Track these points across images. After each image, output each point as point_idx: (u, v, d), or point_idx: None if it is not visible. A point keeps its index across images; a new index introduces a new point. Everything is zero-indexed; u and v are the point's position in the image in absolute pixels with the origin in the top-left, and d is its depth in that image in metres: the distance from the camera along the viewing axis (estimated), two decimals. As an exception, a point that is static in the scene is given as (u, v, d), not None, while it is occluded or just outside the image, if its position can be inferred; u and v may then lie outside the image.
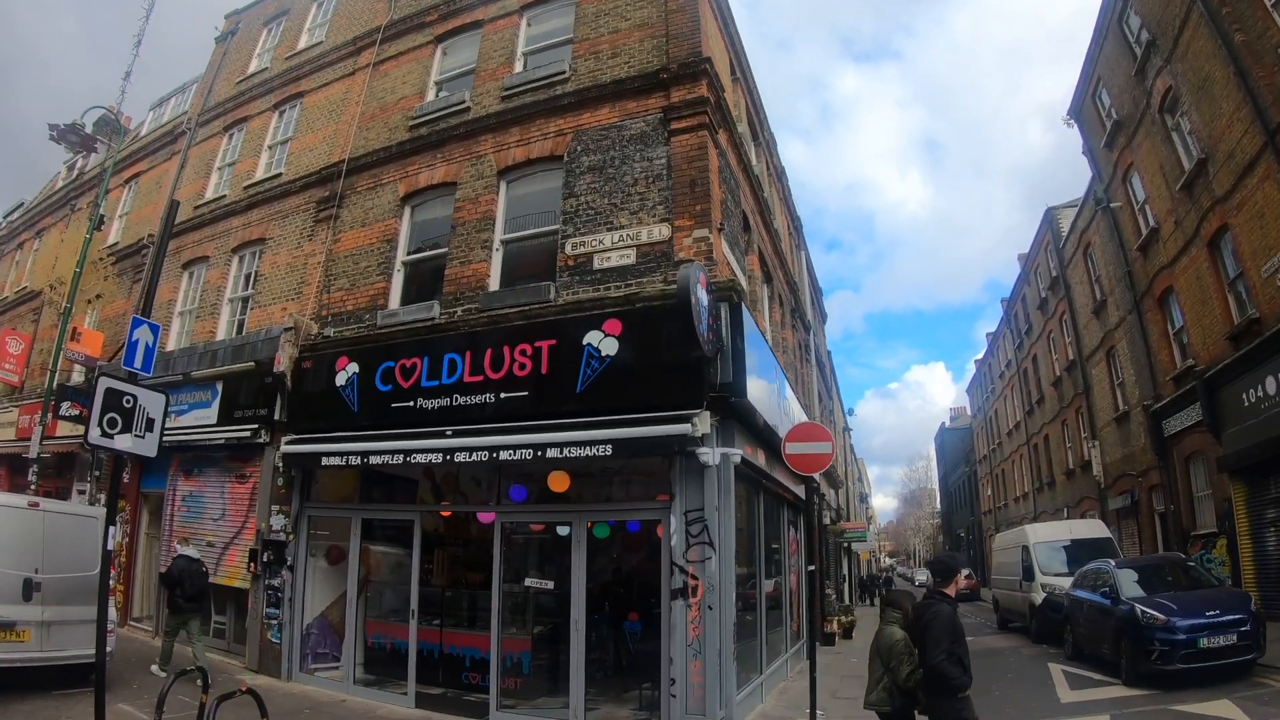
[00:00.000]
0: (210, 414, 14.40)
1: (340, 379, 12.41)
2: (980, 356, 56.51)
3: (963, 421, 67.79)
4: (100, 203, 18.10)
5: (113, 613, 11.23)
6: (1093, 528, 21.65)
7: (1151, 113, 19.92)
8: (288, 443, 12.60)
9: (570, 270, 11.50)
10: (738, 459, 10.27)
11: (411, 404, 11.59)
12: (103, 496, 16.73)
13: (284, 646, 12.50)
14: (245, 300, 15.53)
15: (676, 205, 11.11)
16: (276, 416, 13.20)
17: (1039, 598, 19.10)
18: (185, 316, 16.65)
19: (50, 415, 17.71)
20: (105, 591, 8.39)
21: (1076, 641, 15.16)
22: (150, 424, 8.31)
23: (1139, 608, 11.96)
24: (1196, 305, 18.80)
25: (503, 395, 10.92)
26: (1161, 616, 11.48)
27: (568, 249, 11.65)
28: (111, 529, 8.10)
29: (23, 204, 28.64)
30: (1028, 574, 20.31)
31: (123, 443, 8.02)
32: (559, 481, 11.05)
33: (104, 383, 8.01)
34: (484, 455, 10.45)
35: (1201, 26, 16.63)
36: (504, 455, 10.32)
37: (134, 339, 8.71)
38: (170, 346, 16.15)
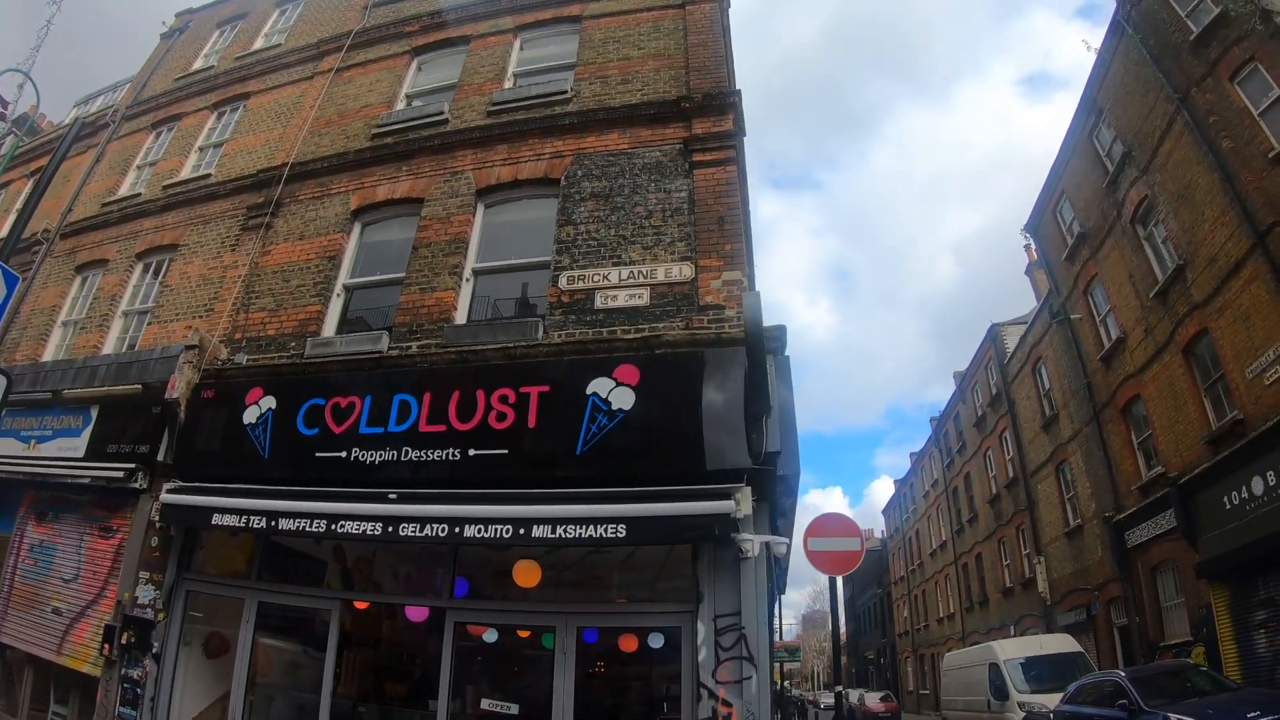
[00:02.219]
0: (78, 445, 10.46)
1: (250, 415, 8.84)
2: (900, 479, 54.22)
3: (872, 544, 64.46)
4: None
5: None
6: (1062, 642, 19.21)
7: (1123, 223, 19.02)
8: (170, 490, 8.88)
9: (564, 307, 8.58)
10: (782, 550, 7.93)
11: (344, 454, 8.15)
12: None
13: (139, 761, 8.54)
14: (143, 315, 11.76)
15: (701, 243, 8.68)
16: (161, 456, 9.45)
17: (1016, 717, 16.51)
18: (69, 328, 12.67)
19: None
20: None
21: None
22: None
23: (1173, 716, 10.30)
24: (1168, 412, 17.53)
25: (473, 452, 7.70)
26: (1204, 724, 9.83)
27: (562, 283, 8.76)
28: None
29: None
30: (999, 693, 17.63)
31: None
32: (528, 574, 7.85)
33: None
34: (441, 529, 7.21)
35: (1185, 136, 15.94)
36: (470, 531, 7.11)
37: None
38: (46, 357, 12.18)
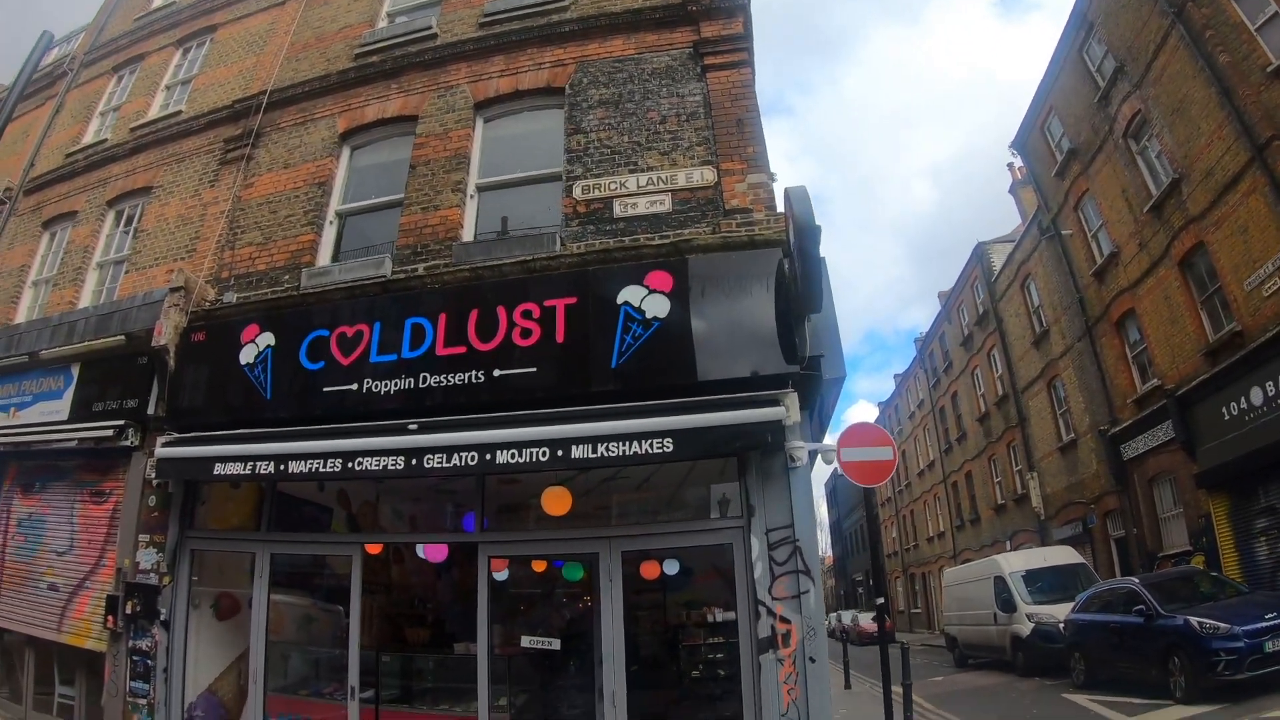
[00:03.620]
0: (61, 408, 9.52)
1: (247, 355, 7.94)
2: (884, 401, 53.48)
3: None
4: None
5: None
6: (1065, 554, 18.90)
7: (1114, 138, 18.56)
8: (166, 444, 7.99)
9: (581, 218, 7.79)
10: (833, 458, 7.11)
11: (354, 387, 7.31)
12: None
13: (156, 737, 7.76)
14: (120, 264, 10.73)
15: (721, 147, 7.95)
16: (152, 410, 8.55)
17: (1025, 629, 16.20)
18: (40, 287, 11.61)
19: None
20: None
21: (1089, 668, 13.16)
22: None
23: (1194, 620, 10.34)
24: (1163, 325, 17.34)
25: (498, 373, 6.91)
26: (1224, 625, 9.96)
27: (577, 193, 7.97)
28: None
29: None
30: (1006, 605, 17.27)
31: None
32: (558, 501, 7.12)
33: None
34: (470, 458, 6.42)
35: (1180, 50, 15.51)
36: (503, 457, 6.32)
37: None
38: (18, 320, 11.18)
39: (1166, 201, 16.44)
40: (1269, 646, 9.61)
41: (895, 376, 50.05)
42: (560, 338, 6.82)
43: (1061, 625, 14.51)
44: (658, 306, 6.75)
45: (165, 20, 12.95)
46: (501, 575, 7.91)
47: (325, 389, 7.41)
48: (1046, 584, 17.08)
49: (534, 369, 6.79)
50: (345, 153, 9.38)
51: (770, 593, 6.24)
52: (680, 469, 7.57)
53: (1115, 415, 19.73)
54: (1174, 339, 16.84)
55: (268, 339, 7.87)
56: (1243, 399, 14.19)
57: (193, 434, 7.98)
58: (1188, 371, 16.13)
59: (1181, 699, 10.15)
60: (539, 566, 8.46)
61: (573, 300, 6.93)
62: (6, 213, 12.64)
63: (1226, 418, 14.64)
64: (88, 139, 12.51)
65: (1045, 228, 22.97)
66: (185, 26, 12.59)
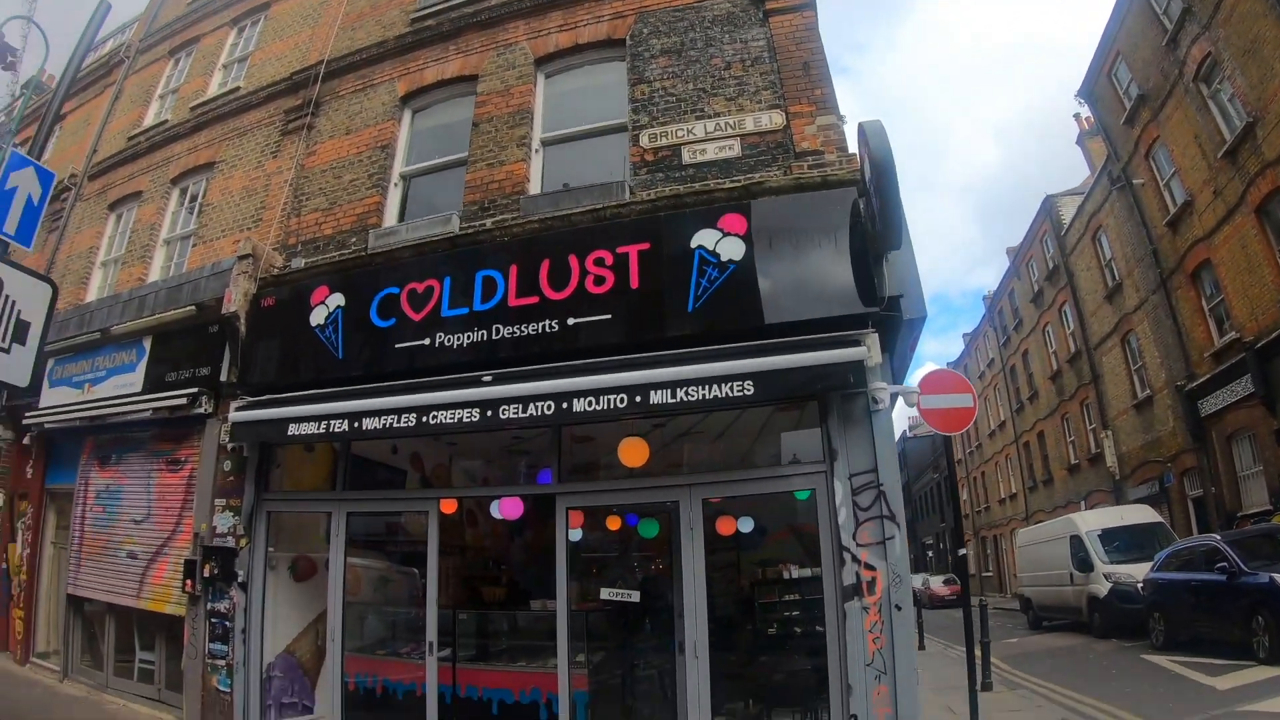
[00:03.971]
0: (134, 380, 9.66)
1: (317, 316, 7.94)
2: (953, 361, 52.43)
3: (924, 430, 62.69)
4: (5, 147, 13.38)
5: None
6: (1142, 513, 18.37)
7: (1184, 82, 17.88)
8: (239, 408, 8.05)
9: (650, 166, 7.67)
10: (915, 400, 6.83)
11: (427, 341, 7.25)
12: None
13: (237, 697, 7.86)
14: (186, 239, 10.87)
15: (788, 90, 7.73)
16: (224, 376, 8.62)
17: (1103, 589, 15.75)
18: (109, 267, 11.83)
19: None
20: None
21: (1169, 629, 12.77)
22: (21, 330, 4.32)
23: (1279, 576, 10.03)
24: (1241, 275, 16.61)
25: (572, 321, 6.79)
26: (1318, 583, 9.54)
27: (644, 141, 7.83)
28: None
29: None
30: (1083, 565, 16.82)
31: None
32: (635, 452, 6.99)
33: None
34: (546, 407, 6.32)
35: None
36: (580, 405, 6.21)
37: (6, 186, 4.48)
38: (89, 299, 11.38)
39: (1241, 146, 15.81)
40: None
41: (964, 336, 48.60)
42: (634, 284, 6.68)
43: (1140, 585, 14.16)
44: (733, 249, 6.58)
45: (219, 1, 13.06)
46: (576, 535, 7.87)
47: (397, 345, 7.38)
48: (1124, 543, 16.63)
49: (608, 316, 6.67)
50: (406, 116, 9.34)
51: (854, 539, 6.05)
52: (756, 420, 7.46)
53: (1192, 370, 19.08)
54: (1252, 289, 16.16)
55: (337, 300, 7.86)
56: (1326, 350, 13.41)
57: (265, 397, 8.02)
58: (1267, 323, 15.54)
59: (1265, 659, 9.82)
60: (613, 524, 8.38)
61: (645, 246, 6.78)
62: (72, 198, 12.88)
63: (1309, 370, 13.87)
64: (148, 121, 12.68)
65: (1115, 178, 22.23)
66: (238, 6, 12.68)
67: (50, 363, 10.45)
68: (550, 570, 9.01)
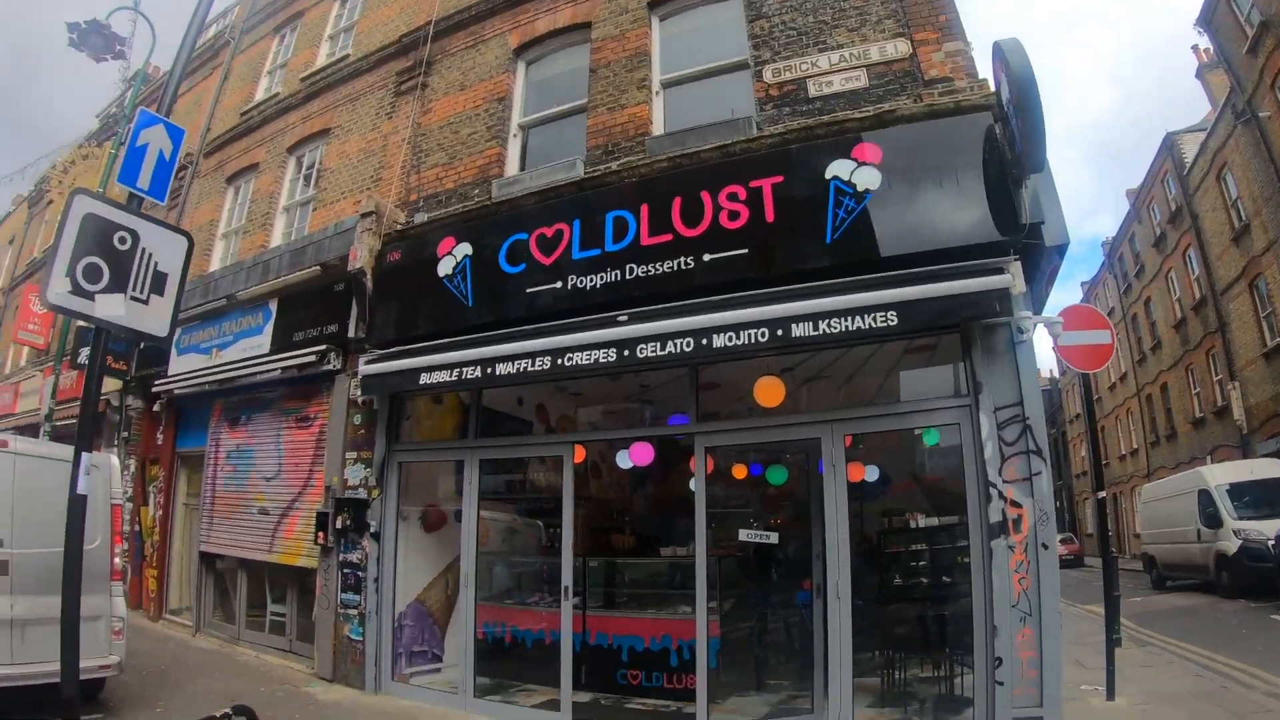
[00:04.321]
0: (261, 342, 9.98)
1: (445, 266, 8.04)
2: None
3: (1042, 384, 60.31)
4: (122, 136, 14.00)
5: (121, 605, 6.81)
6: (1274, 467, 17.35)
7: None
8: (369, 361, 8.23)
9: (775, 101, 7.47)
10: (1059, 330, 6.67)
11: (558, 285, 7.27)
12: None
13: (368, 645, 8.09)
14: (305, 205, 11.19)
15: (912, 18, 7.38)
16: (352, 332, 8.82)
17: (1231, 546, 15.02)
18: (230, 238, 12.29)
19: (67, 367, 13.52)
20: (75, 560, 3.80)
21: None
22: (159, 282, 4.35)
23: None
24: None
25: (707, 257, 6.68)
26: None
27: (767, 76, 7.63)
28: (90, 463, 3.92)
29: (54, 166, 24.50)
30: (1211, 521, 16.04)
31: (108, 307, 4.10)
32: (771, 391, 6.86)
33: (80, 204, 4.06)
34: (685, 344, 6.24)
35: None
36: (720, 341, 6.10)
37: (138, 143, 4.52)
38: (212, 268, 11.80)
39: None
40: None
41: (1082, 284, 46.24)
42: (770, 217, 6.54)
43: (1271, 542, 13.71)
44: (868, 179, 6.38)
45: (321, -25, 13.33)
46: (696, 486, 7.83)
47: (528, 290, 7.42)
48: (1254, 498, 15.74)
49: (744, 250, 6.56)
50: (520, 68, 9.36)
51: (1000, 475, 5.82)
52: (885, 361, 7.26)
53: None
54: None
55: (465, 249, 7.94)
56: None
57: (395, 349, 8.18)
58: None
59: None
60: (739, 473, 8.33)
61: (779, 179, 6.63)
62: (190, 175, 13.37)
63: None
64: (259, 96, 13.07)
65: (1240, 111, 21.11)
66: (341, -24, 12.93)
67: (177, 332, 10.86)
68: (675, 518, 9.04)
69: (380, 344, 8.40)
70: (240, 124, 12.80)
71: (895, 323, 5.72)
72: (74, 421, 14.03)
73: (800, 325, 5.92)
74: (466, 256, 7.90)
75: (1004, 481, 5.78)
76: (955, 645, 6.73)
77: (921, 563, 7.48)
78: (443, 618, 8.72)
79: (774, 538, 7.15)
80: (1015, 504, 5.75)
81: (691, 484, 8.00)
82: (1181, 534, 17.60)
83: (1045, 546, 5.65)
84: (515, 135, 8.96)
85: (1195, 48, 26.86)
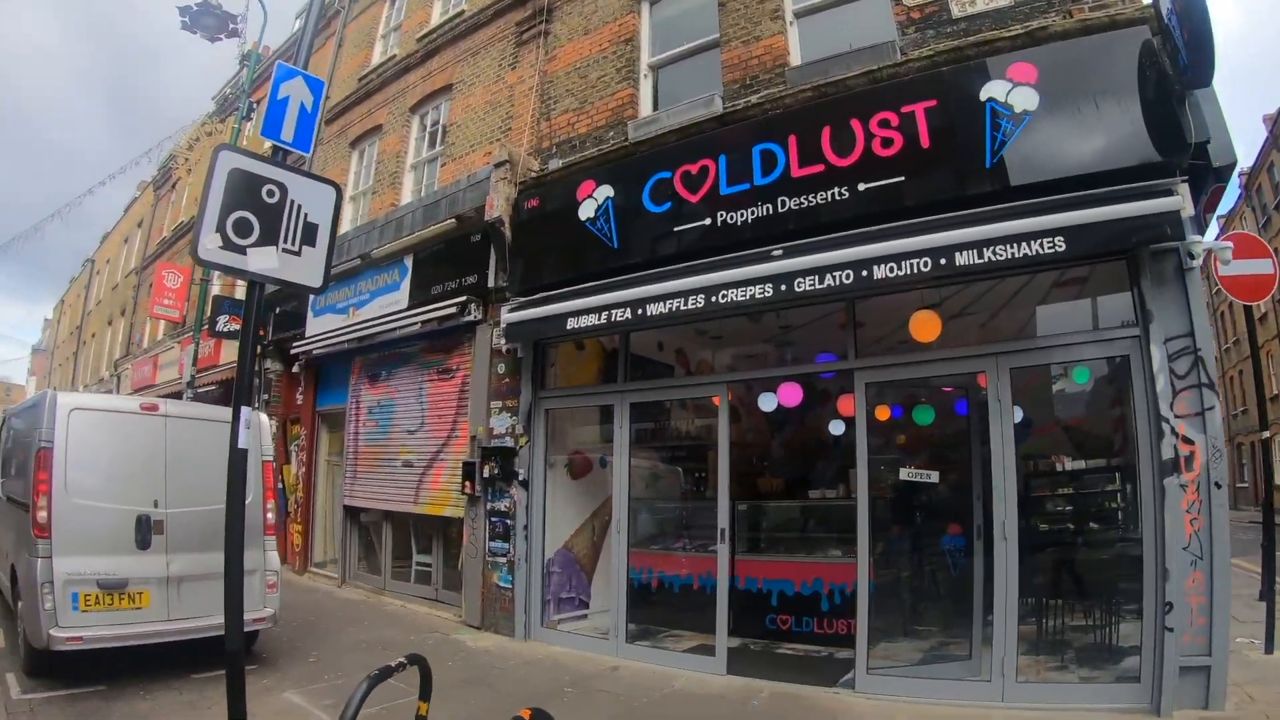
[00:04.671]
0: (399, 298, 10.28)
1: (586, 210, 8.08)
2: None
3: None
4: (242, 107, 14.53)
5: (274, 559, 7.20)
6: None
7: None
8: (512, 309, 8.37)
9: (917, 24, 7.12)
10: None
11: (707, 221, 7.19)
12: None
13: (517, 592, 8.34)
14: (433, 161, 11.40)
15: None
16: (491, 282, 8.99)
17: None
18: (358, 200, 12.67)
19: (206, 335, 14.20)
20: (237, 515, 3.83)
21: None
22: (310, 233, 4.32)
23: None
24: None
25: (862, 186, 6.47)
26: None
27: (906, -1, 7.21)
28: (248, 418, 3.90)
29: (180, 145, 25.68)
30: None
31: (261, 260, 4.09)
32: (927, 326, 6.66)
33: (225, 160, 4.03)
34: (845, 276, 6.11)
35: None
36: (881, 272, 5.97)
37: (278, 97, 4.59)
38: (343, 230, 12.18)
39: None
40: None
41: (1217, 219, 44.07)
42: (925, 143, 6.29)
43: None
44: (1026, 99, 6.04)
45: (428, -65, 13.41)
46: (840, 428, 7.71)
47: (675, 229, 7.39)
48: None
49: (901, 177, 6.35)
50: (644, 8, 9.22)
51: (1172, 410, 5.55)
52: (1034, 295, 6.98)
53: None
54: None
55: (606, 191, 7.96)
56: None
57: (538, 295, 8.28)
58: None
59: None
60: (881, 414, 8.16)
61: (932, 103, 6.36)
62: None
63: None
64: (376, 60, 13.32)
65: None
66: (450, -66, 12.98)
67: (326, 287, 11.28)
68: (816, 461, 8.92)
69: (522, 292, 8.54)
70: (359, 89, 13.08)
71: (1064, 249, 5.45)
72: (214, 388, 14.82)
73: (964, 254, 5.72)
74: (608, 199, 7.91)
75: (1175, 416, 5.52)
76: (1110, 592, 6.51)
77: (1069, 507, 7.27)
78: (589, 564, 8.90)
79: (934, 477, 6.99)
80: (1188, 440, 5.48)
81: (832, 426, 7.96)
82: None
83: (1218, 485, 5.40)
84: (646, 76, 8.86)
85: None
